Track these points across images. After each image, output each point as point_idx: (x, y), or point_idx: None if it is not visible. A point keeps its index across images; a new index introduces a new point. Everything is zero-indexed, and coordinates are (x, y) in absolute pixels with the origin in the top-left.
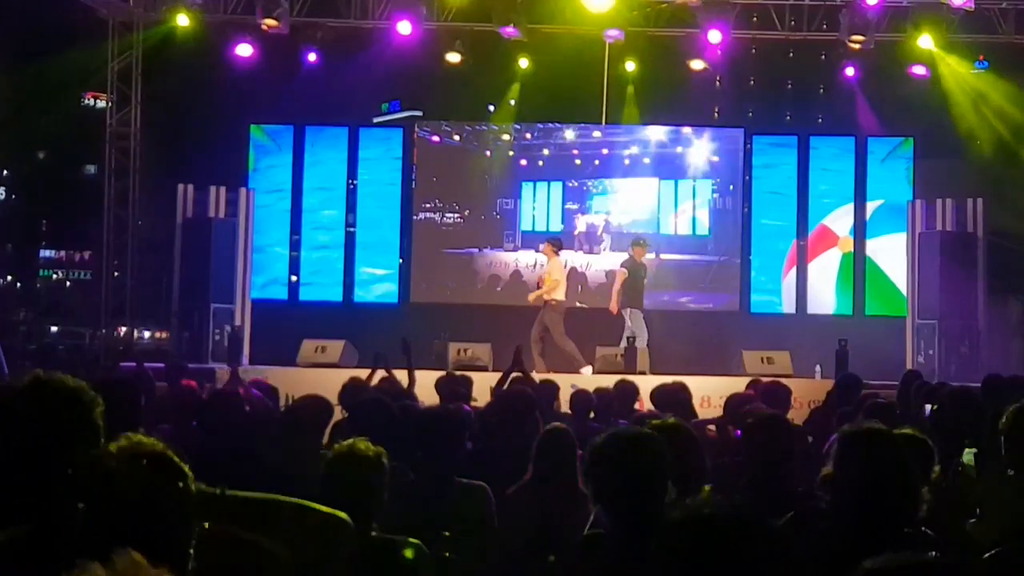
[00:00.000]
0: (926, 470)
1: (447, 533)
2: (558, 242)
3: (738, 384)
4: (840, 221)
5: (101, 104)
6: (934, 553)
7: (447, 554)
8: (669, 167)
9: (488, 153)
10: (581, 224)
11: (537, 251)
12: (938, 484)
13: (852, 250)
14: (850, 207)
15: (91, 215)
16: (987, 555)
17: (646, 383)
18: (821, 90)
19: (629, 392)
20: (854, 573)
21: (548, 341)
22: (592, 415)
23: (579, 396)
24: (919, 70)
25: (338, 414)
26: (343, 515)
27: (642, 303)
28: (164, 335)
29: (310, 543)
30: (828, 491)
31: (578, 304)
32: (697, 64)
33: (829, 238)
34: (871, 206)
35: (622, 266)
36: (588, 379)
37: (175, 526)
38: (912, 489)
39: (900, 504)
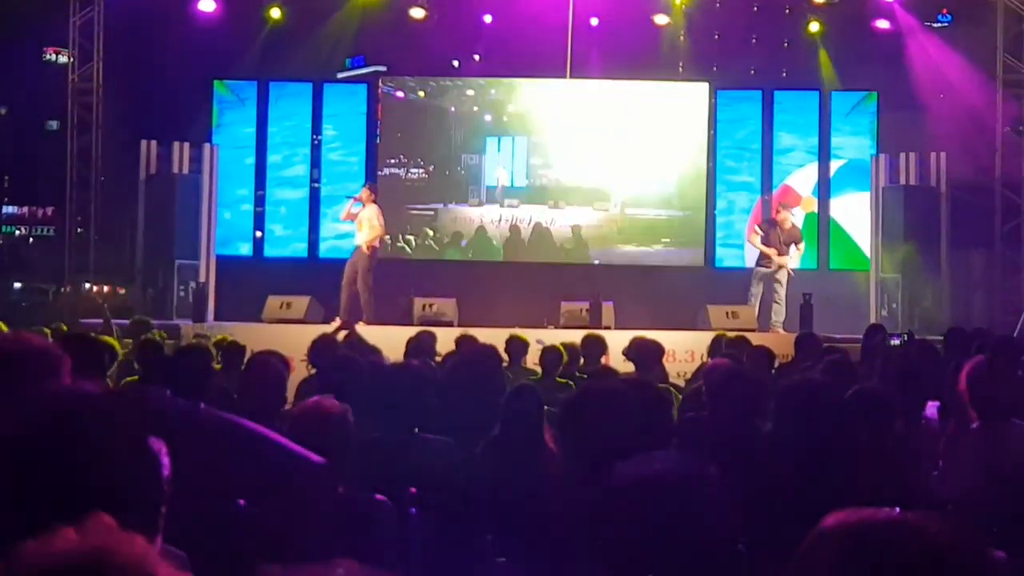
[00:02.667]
0: (885, 424)
1: (413, 489)
2: (376, 188)
3: (703, 338)
4: (804, 180)
5: (63, 59)
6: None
7: (413, 510)
8: (634, 122)
9: (452, 108)
10: (545, 179)
11: (502, 206)
12: (900, 438)
13: (815, 210)
14: (814, 165)
15: (54, 171)
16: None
17: (611, 338)
18: (785, 44)
19: (596, 346)
20: (813, 532)
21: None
22: (560, 370)
23: (547, 352)
24: (883, 24)
25: (306, 371)
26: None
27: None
28: (126, 292)
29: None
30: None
31: (543, 259)
32: (661, 19)
33: (793, 198)
34: (835, 164)
35: (759, 229)
36: (554, 334)
37: (142, 486)
38: (849, 439)
39: (839, 458)
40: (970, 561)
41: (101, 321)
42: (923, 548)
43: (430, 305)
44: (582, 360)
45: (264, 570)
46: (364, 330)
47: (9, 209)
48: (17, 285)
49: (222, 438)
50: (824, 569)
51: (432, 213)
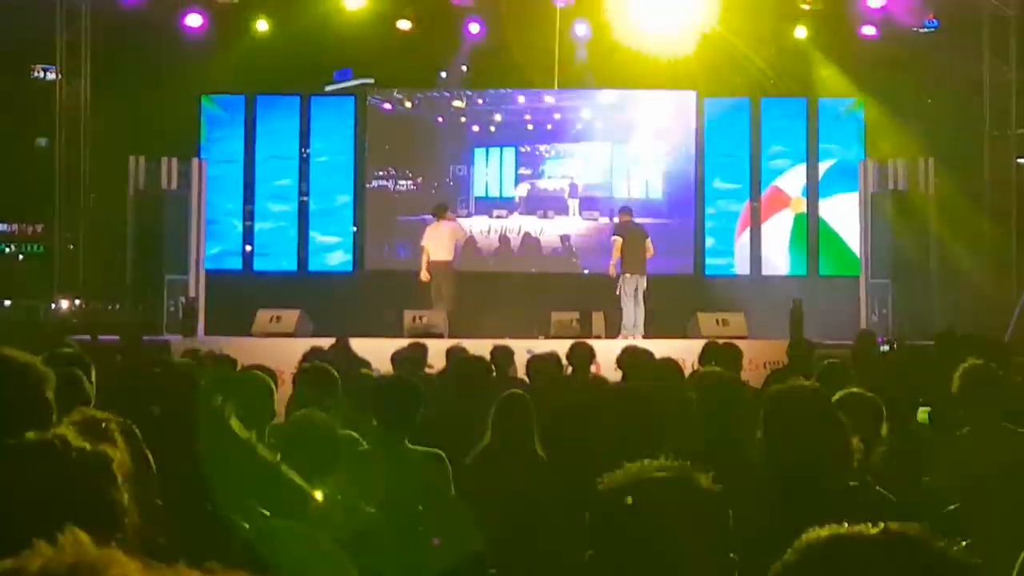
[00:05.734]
0: (873, 427)
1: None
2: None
3: (694, 347)
4: (792, 182)
5: (51, 76)
6: (879, 522)
7: (406, 523)
8: (622, 130)
9: (440, 120)
10: (533, 189)
11: (491, 217)
12: (892, 443)
13: (805, 211)
14: (802, 168)
15: (42, 188)
16: (943, 512)
17: (603, 347)
18: (773, 52)
19: (584, 355)
20: (793, 546)
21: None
22: (548, 381)
23: (535, 361)
24: (869, 30)
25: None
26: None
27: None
28: (118, 307)
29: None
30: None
31: (532, 270)
32: (649, 26)
33: (782, 199)
34: (823, 166)
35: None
36: (544, 344)
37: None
38: (841, 444)
39: (829, 461)
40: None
41: (88, 338)
42: (904, 564)
43: (420, 317)
44: (570, 369)
45: None
46: (355, 342)
47: None
48: (7, 303)
49: None
50: None
51: (421, 224)
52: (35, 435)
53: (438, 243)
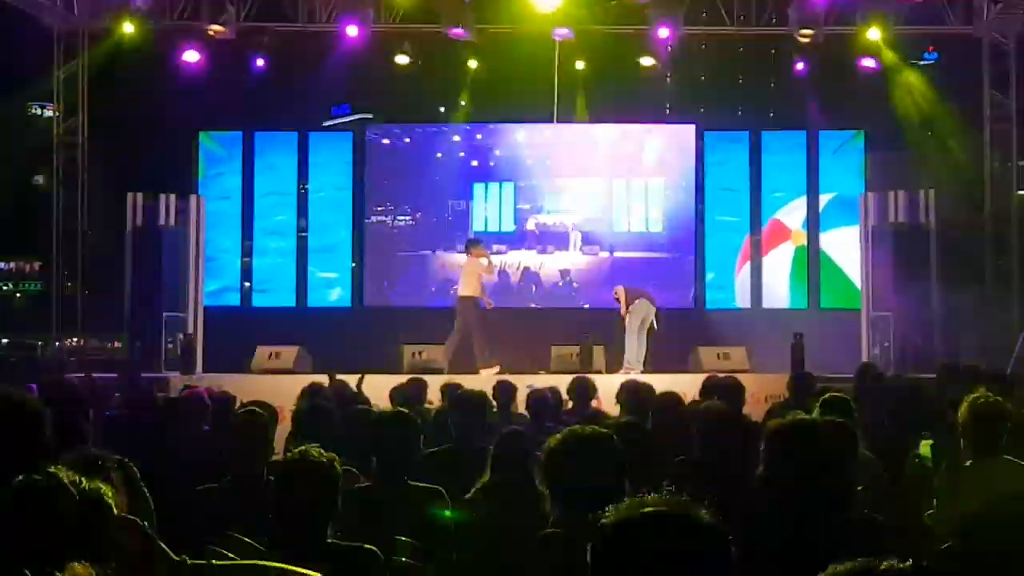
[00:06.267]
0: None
1: (403, 538)
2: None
3: (694, 381)
4: (793, 215)
5: (48, 113)
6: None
7: (403, 559)
8: (621, 165)
9: (439, 155)
10: (533, 224)
11: (491, 252)
12: (893, 475)
13: (805, 243)
14: (803, 200)
15: (40, 226)
16: (943, 548)
17: (603, 382)
18: (772, 85)
19: (584, 390)
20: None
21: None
22: (549, 415)
23: (536, 397)
24: (868, 63)
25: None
26: None
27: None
28: (117, 345)
29: None
30: (764, 489)
31: (532, 305)
32: (647, 61)
33: (782, 232)
34: (823, 199)
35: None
36: (545, 379)
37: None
38: (842, 475)
39: (832, 492)
40: None
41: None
42: None
43: (419, 353)
44: (570, 404)
45: None
46: (352, 378)
47: None
48: (4, 341)
49: None
50: None
51: (420, 260)
52: (33, 473)
53: (462, 279)
